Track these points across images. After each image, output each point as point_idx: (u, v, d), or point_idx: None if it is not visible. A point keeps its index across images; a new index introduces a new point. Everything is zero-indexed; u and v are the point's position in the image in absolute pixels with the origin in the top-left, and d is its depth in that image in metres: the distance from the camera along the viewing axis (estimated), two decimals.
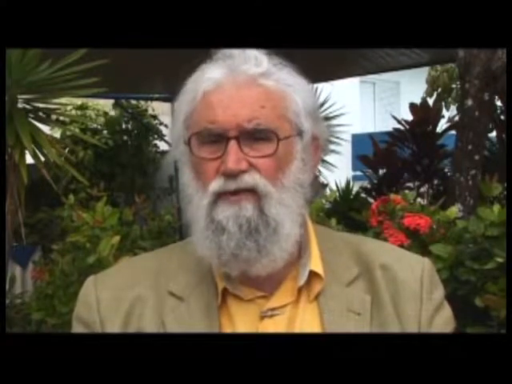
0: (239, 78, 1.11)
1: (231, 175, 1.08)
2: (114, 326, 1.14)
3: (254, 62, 1.13)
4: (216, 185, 1.09)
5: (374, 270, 1.18)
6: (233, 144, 1.08)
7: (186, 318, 1.13)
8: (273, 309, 1.14)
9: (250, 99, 1.09)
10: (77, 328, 1.19)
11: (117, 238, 3.30)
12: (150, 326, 1.13)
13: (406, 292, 1.17)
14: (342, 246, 1.22)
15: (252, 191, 1.09)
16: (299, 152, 1.13)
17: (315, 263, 1.16)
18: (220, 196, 1.09)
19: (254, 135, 1.09)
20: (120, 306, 1.15)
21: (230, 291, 1.14)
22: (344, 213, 4.39)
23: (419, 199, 4.91)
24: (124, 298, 1.16)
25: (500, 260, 2.59)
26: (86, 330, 1.16)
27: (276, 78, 1.13)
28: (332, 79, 7.28)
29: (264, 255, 1.09)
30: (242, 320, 1.13)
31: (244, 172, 1.08)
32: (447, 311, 1.20)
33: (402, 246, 2.77)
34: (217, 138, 1.09)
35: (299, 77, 1.17)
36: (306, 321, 1.14)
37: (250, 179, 1.09)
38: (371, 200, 5.28)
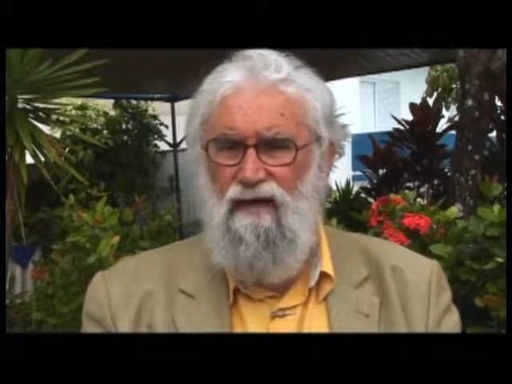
0: (259, 84, 1.09)
1: (249, 184, 1.06)
2: (124, 322, 1.13)
3: (274, 67, 1.10)
4: (233, 192, 1.08)
5: (383, 271, 1.18)
6: (251, 152, 1.06)
7: (197, 317, 1.12)
8: (284, 309, 1.14)
9: (270, 106, 1.07)
10: (87, 325, 1.18)
11: (117, 238, 3.30)
12: (160, 322, 1.12)
13: (414, 294, 1.16)
14: (351, 247, 1.21)
15: (269, 201, 1.08)
16: (317, 159, 1.12)
17: (326, 264, 1.16)
18: (237, 204, 1.08)
19: (272, 143, 1.07)
20: (130, 301, 1.15)
21: (241, 291, 1.14)
22: (344, 213, 4.39)
23: (419, 199, 4.91)
24: (134, 292, 1.15)
25: (500, 260, 2.59)
26: (97, 326, 1.16)
27: (296, 84, 1.11)
28: (332, 79, 7.28)
29: (279, 266, 1.09)
30: (253, 320, 1.13)
31: (262, 181, 1.07)
32: (455, 314, 1.20)
33: (401, 245, 2.77)
34: (235, 145, 1.08)
35: (318, 80, 1.15)
36: (315, 321, 1.14)
37: (268, 189, 1.07)
38: (371, 200, 5.29)
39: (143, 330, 1.13)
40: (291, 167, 1.08)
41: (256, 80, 1.10)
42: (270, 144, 1.07)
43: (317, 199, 1.13)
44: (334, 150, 1.17)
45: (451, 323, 1.18)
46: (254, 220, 1.07)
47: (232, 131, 1.07)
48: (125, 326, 1.13)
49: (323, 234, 1.20)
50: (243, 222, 1.08)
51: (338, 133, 1.16)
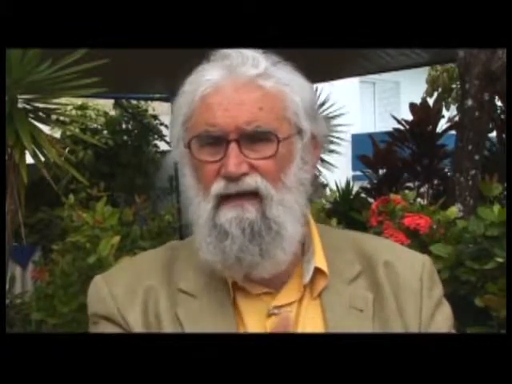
0: (238, 80, 1.11)
1: (232, 178, 1.08)
2: (133, 313, 1.14)
3: (251, 62, 1.12)
4: (217, 188, 1.09)
5: (376, 267, 1.19)
6: (233, 147, 1.08)
7: (200, 315, 1.13)
8: (279, 307, 1.14)
9: (249, 101, 1.09)
10: (98, 325, 1.17)
11: (117, 238, 3.30)
12: (165, 313, 1.13)
13: (406, 289, 1.18)
14: (344, 243, 1.22)
15: (254, 194, 1.09)
16: (299, 151, 1.13)
17: (319, 260, 1.17)
18: (222, 200, 1.09)
19: (253, 137, 1.09)
20: (135, 294, 1.15)
21: (238, 285, 1.14)
22: (344, 213, 4.39)
23: (419, 199, 4.91)
24: (137, 287, 1.16)
25: (500, 260, 2.59)
26: (107, 323, 1.15)
27: (274, 79, 1.12)
28: (332, 79, 7.28)
29: (267, 259, 1.10)
30: (251, 316, 1.14)
31: (245, 175, 1.08)
32: (446, 308, 1.21)
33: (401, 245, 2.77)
34: (217, 141, 1.09)
35: (298, 74, 1.16)
36: (309, 317, 1.14)
37: (252, 182, 1.09)
38: (371, 200, 5.29)
39: (152, 319, 1.13)
40: (274, 160, 1.09)
41: (234, 77, 1.11)
42: (251, 138, 1.09)
43: (302, 192, 1.14)
44: (317, 144, 1.18)
45: (443, 316, 1.19)
46: (239, 213, 1.08)
47: (213, 127, 1.09)
48: (134, 318, 1.13)
49: (315, 230, 1.21)
50: (228, 215, 1.09)
51: (320, 126, 1.17)
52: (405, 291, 1.17)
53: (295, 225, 1.12)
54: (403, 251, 1.27)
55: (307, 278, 1.15)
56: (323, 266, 1.16)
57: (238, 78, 1.11)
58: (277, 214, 1.10)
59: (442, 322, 1.18)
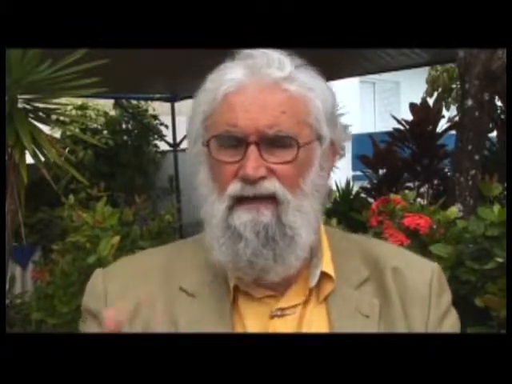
0: (262, 82, 1.09)
1: (250, 181, 1.06)
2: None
3: (277, 65, 1.11)
4: (234, 189, 1.08)
5: (383, 272, 1.18)
6: (253, 149, 1.06)
7: (198, 316, 1.12)
8: (283, 309, 1.14)
9: (272, 104, 1.07)
10: (85, 318, 1.18)
11: (117, 238, 3.30)
12: (159, 327, 1.11)
13: (414, 295, 1.16)
14: (352, 247, 1.21)
15: (270, 198, 1.08)
16: (318, 157, 1.12)
17: (326, 265, 1.16)
18: (237, 201, 1.08)
19: (274, 141, 1.07)
20: (127, 301, 1.13)
21: (240, 289, 1.14)
22: (344, 213, 4.39)
23: (419, 199, 4.91)
24: (130, 297, 1.14)
25: (500, 260, 2.59)
26: (93, 320, 1.16)
27: (298, 82, 1.11)
28: (332, 79, 7.29)
29: (280, 264, 1.09)
30: (252, 318, 1.13)
31: (263, 178, 1.07)
32: (454, 316, 1.21)
33: (401, 245, 2.77)
34: (236, 142, 1.08)
35: (320, 79, 1.15)
36: (314, 321, 1.14)
37: (270, 186, 1.07)
38: (371, 200, 5.29)
39: (137, 330, 1.11)
40: (293, 165, 1.08)
41: (258, 78, 1.10)
42: (271, 141, 1.07)
43: (317, 198, 1.13)
44: (335, 150, 1.17)
45: (450, 324, 1.19)
46: (254, 216, 1.07)
47: (234, 128, 1.07)
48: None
49: (324, 234, 1.20)
50: (243, 218, 1.07)
51: (339, 133, 1.16)
52: (412, 297, 1.16)
53: (309, 231, 1.11)
54: (412, 257, 1.25)
55: (313, 282, 1.14)
56: (330, 271, 1.15)
57: (263, 80, 1.09)
58: (293, 219, 1.08)
59: (449, 330, 1.18)
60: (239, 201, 1.08)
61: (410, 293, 1.16)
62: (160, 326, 1.12)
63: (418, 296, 1.16)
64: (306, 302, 1.15)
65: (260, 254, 1.07)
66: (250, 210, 1.07)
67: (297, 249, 1.09)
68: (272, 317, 1.13)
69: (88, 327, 1.17)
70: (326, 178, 1.15)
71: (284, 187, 1.08)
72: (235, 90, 1.09)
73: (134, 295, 1.15)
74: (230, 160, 1.08)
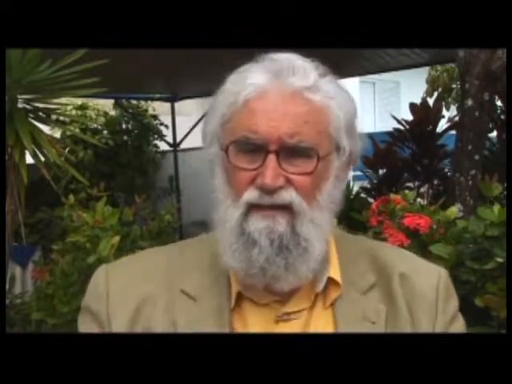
0: (285, 90, 1.07)
1: (268, 190, 1.05)
2: (119, 322, 1.13)
3: (302, 74, 1.08)
4: (250, 196, 1.06)
5: (391, 278, 1.17)
6: (272, 158, 1.04)
7: (197, 319, 1.11)
8: (289, 313, 1.13)
9: (295, 113, 1.06)
10: (83, 316, 1.17)
11: (117, 238, 3.30)
12: (160, 326, 1.11)
13: (421, 301, 1.16)
14: (359, 252, 1.20)
15: (286, 208, 1.06)
16: (335, 169, 1.11)
17: (333, 270, 1.15)
18: (252, 208, 1.07)
19: (294, 151, 1.05)
20: (128, 303, 1.14)
21: (245, 295, 1.13)
22: (344, 213, 4.38)
23: (419, 199, 4.91)
24: (132, 296, 1.14)
25: (500, 260, 2.59)
26: (93, 319, 1.15)
27: (322, 92, 1.09)
28: None
29: (291, 273, 1.08)
30: (256, 323, 1.12)
31: (281, 188, 1.05)
32: (461, 322, 1.20)
33: (401, 246, 2.77)
34: (256, 149, 1.06)
35: (342, 87, 1.13)
36: (320, 327, 1.13)
37: (287, 196, 1.06)
38: (371, 200, 5.29)
39: (138, 330, 1.12)
40: (311, 176, 1.07)
41: (282, 85, 1.07)
42: (291, 151, 1.06)
43: (331, 210, 1.12)
44: (351, 160, 1.15)
45: (457, 330, 1.18)
46: (269, 224, 1.06)
47: (255, 135, 1.05)
48: (121, 323, 1.13)
49: (332, 239, 1.18)
50: (258, 225, 1.06)
51: (357, 143, 1.14)
52: (419, 304, 1.15)
53: (322, 243, 1.10)
54: (419, 262, 1.24)
55: (320, 287, 1.14)
56: (337, 277, 1.15)
57: (286, 88, 1.07)
58: (307, 231, 1.07)
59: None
60: (254, 207, 1.07)
61: (417, 299, 1.15)
62: (160, 326, 1.12)
63: (424, 301, 1.16)
64: (312, 307, 1.14)
65: (273, 261, 1.06)
66: (266, 218, 1.06)
67: (310, 260, 1.08)
68: (277, 321, 1.12)
69: (88, 328, 1.16)
70: (341, 189, 1.14)
71: (301, 198, 1.06)
72: (257, 96, 1.07)
73: (135, 295, 1.15)
74: (248, 167, 1.06)
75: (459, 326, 1.19)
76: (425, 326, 1.14)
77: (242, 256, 1.07)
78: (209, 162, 1.14)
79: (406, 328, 1.13)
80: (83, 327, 1.18)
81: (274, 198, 1.05)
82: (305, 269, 1.08)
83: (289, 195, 1.06)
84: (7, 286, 3.95)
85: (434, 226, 2.94)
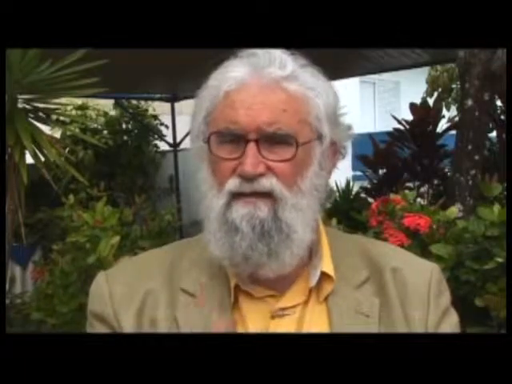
0: (263, 80, 1.10)
1: (248, 178, 1.08)
2: (127, 317, 1.14)
3: (278, 64, 1.12)
4: (232, 185, 1.09)
5: (384, 273, 1.18)
6: (252, 146, 1.07)
7: (198, 316, 1.13)
8: (283, 308, 1.14)
9: (272, 102, 1.09)
10: (92, 323, 1.18)
11: (117, 238, 3.31)
12: (163, 318, 1.13)
13: (414, 296, 1.17)
14: (352, 247, 1.22)
15: (268, 195, 1.09)
16: (317, 157, 1.13)
17: (326, 264, 1.16)
18: (235, 197, 1.09)
19: (273, 139, 1.08)
20: (133, 297, 1.15)
21: (241, 288, 1.14)
22: (344, 213, 4.39)
23: (419, 199, 4.91)
24: (136, 290, 1.16)
25: (500, 260, 2.59)
26: (101, 324, 1.16)
27: (299, 82, 1.12)
28: (332, 79, 7.27)
29: (274, 260, 1.09)
30: (253, 318, 1.14)
31: (261, 175, 1.08)
32: (454, 316, 1.21)
33: (401, 246, 2.77)
34: (236, 139, 1.09)
35: (323, 78, 1.16)
36: (315, 321, 1.14)
37: (267, 183, 1.08)
38: (371, 200, 5.29)
39: (146, 324, 1.13)
40: (291, 163, 1.09)
41: (260, 76, 1.11)
42: (271, 139, 1.08)
43: (316, 197, 1.13)
44: (336, 150, 1.17)
45: (450, 325, 1.19)
46: (251, 210, 1.08)
47: (234, 125, 1.08)
48: (128, 321, 1.14)
49: (324, 234, 1.20)
50: (240, 212, 1.08)
51: (340, 132, 1.17)
52: (412, 297, 1.17)
53: (306, 229, 1.11)
54: (412, 258, 1.26)
55: (313, 282, 1.15)
56: (330, 271, 1.16)
57: (264, 78, 1.10)
58: (289, 216, 1.09)
59: (448, 330, 1.18)
60: (237, 196, 1.09)
61: (409, 293, 1.17)
62: (164, 320, 1.13)
63: (417, 296, 1.17)
64: (306, 302, 1.15)
65: (255, 247, 1.08)
66: (247, 205, 1.08)
67: (292, 245, 1.10)
68: (273, 317, 1.14)
69: (97, 330, 1.17)
70: (325, 178, 1.16)
71: (281, 185, 1.09)
72: (237, 88, 1.10)
73: (138, 290, 1.16)
74: (229, 156, 1.09)
75: (452, 320, 1.20)
76: (417, 321, 1.16)
77: (225, 245, 1.09)
78: (194, 155, 1.16)
79: (399, 322, 1.15)
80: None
81: (255, 185, 1.08)
82: (288, 255, 1.10)
83: (269, 182, 1.08)
84: (7, 286, 3.95)
85: (434, 226, 2.94)
